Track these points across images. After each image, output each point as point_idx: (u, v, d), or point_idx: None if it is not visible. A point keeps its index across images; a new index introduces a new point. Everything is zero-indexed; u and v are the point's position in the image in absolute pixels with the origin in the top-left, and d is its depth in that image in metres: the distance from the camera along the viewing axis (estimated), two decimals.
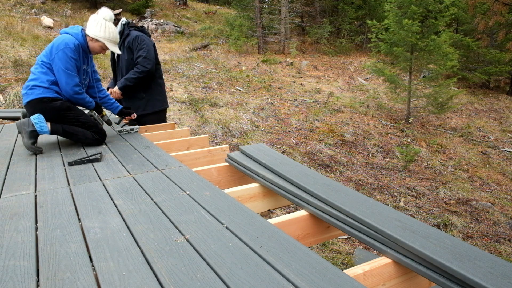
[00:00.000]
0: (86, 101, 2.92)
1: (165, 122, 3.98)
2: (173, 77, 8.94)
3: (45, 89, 2.74)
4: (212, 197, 1.90)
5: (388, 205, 3.57)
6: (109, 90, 3.59)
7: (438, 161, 6.83)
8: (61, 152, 2.79)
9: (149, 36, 3.67)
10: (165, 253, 1.38)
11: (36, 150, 2.71)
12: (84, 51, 2.85)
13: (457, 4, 10.50)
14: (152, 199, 1.88)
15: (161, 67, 3.98)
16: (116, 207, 1.79)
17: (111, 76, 4.01)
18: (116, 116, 3.46)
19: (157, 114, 3.84)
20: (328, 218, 1.80)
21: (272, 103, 8.51)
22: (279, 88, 9.87)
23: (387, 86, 9.29)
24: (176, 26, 14.88)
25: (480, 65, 11.91)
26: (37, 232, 1.55)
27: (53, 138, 3.20)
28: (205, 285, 1.19)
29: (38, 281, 1.23)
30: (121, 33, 3.54)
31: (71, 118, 2.85)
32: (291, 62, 12.77)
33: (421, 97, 8.89)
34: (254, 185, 2.28)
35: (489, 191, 5.80)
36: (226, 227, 1.57)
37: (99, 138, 2.95)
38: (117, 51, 2.96)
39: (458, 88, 10.66)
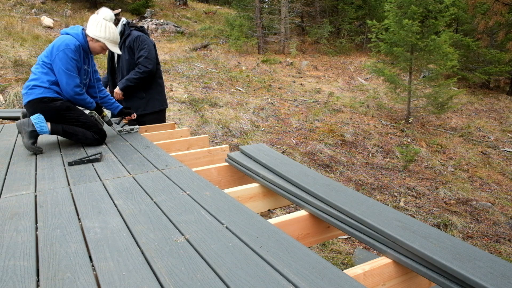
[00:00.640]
0: (86, 101, 2.92)
1: (165, 122, 3.98)
2: (173, 77, 8.94)
3: (46, 89, 2.75)
4: (212, 197, 1.90)
5: (388, 205, 3.57)
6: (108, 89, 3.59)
7: (438, 161, 6.83)
8: (61, 152, 2.79)
9: (148, 36, 3.68)
10: (165, 253, 1.38)
11: (36, 150, 2.71)
12: (84, 51, 2.86)
13: (457, 4, 10.50)
14: (152, 199, 1.88)
15: (161, 67, 3.99)
16: (116, 207, 1.79)
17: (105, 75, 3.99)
18: (116, 116, 3.46)
19: (157, 114, 3.85)
20: (328, 218, 1.80)
21: (272, 103, 8.51)
22: (279, 88, 9.87)
23: (387, 86, 9.29)
24: (176, 26, 14.88)
25: (480, 65, 11.91)
26: (37, 232, 1.55)
27: (53, 138, 3.20)
28: (205, 285, 1.19)
29: (38, 281, 1.23)
30: (122, 33, 3.53)
31: (71, 118, 2.85)
32: (291, 62, 12.77)
33: (421, 97, 8.89)
34: (254, 185, 2.28)
35: (489, 191, 5.80)
36: (226, 227, 1.57)
37: (99, 138, 2.95)
38: (117, 51, 2.96)
39: (458, 88, 10.66)
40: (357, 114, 8.67)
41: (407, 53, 8.40)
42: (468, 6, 11.32)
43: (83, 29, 2.87)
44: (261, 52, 13.85)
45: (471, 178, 6.25)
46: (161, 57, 9.54)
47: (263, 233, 1.52)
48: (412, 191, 5.49)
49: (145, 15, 15.56)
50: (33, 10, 13.07)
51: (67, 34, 2.80)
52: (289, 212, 3.94)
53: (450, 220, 4.67)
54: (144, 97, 3.68)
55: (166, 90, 4.62)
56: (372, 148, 7.01)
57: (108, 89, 3.89)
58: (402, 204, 5.08)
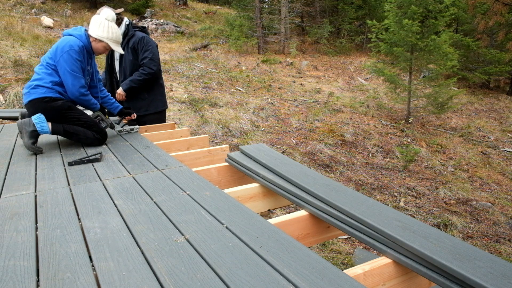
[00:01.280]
0: (91, 102, 2.93)
1: (165, 122, 3.99)
2: (173, 77, 8.94)
3: (48, 89, 2.75)
4: (212, 197, 1.90)
5: (388, 205, 3.57)
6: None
7: (438, 161, 6.83)
8: (61, 152, 2.79)
9: (148, 33, 3.68)
10: (165, 253, 1.38)
11: (36, 150, 2.71)
12: (88, 52, 2.87)
13: (457, 4, 10.50)
14: (152, 199, 1.88)
15: (161, 67, 3.98)
16: (116, 207, 1.79)
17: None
18: (116, 116, 3.46)
19: (159, 114, 3.86)
20: (328, 218, 1.80)
21: (272, 103, 8.51)
22: (279, 88, 9.87)
23: (387, 86, 9.29)
24: (176, 26, 14.88)
25: (480, 65, 11.91)
26: (37, 232, 1.55)
27: (53, 138, 3.20)
28: (205, 285, 1.19)
29: (38, 281, 1.23)
30: (125, 33, 3.52)
31: (72, 118, 2.85)
32: (291, 62, 12.77)
33: (421, 97, 8.89)
34: (254, 185, 2.28)
35: (489, 191, 5.80)
36: (226, 227, 1.57)
37: (100, 138, 2.95)
38: (120, 50, 2.98)
39: (458, 88, 10.66)
40: (357, 114, 8.67)
41: (407, 53, 8.40)
42: (468, 6, 11.32)
43: (85, 30, 2.88)
44: (261, 52, 13.85)
45: (471, 178, 6.25)
46: (161, 57, 9.52)
47: (263, 233, 1.52)
48: (412, 191, 5.49)
49: (145, 15, 15.56)
50: (33, 10, 13.07)
51: (70, 35, 2.81)
52: (289, 212, 3.94)
53: (450, 220, 4.67)
54: (146, 98, 3.68)
55: (166, 90, 4.62)
56: (372, 148, 7.01)
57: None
58: (402, 204, 5.08)
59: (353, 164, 6.26)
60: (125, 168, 2.38)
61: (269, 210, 2.37)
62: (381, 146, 7.13)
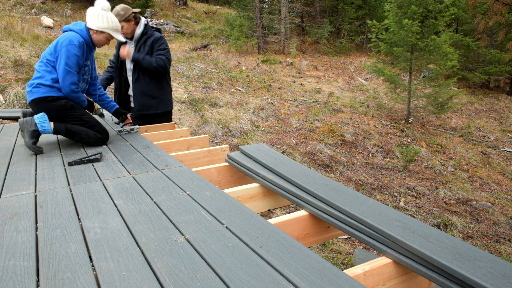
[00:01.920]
0: (80, 100, 2.90)
1: (171, 122, 4.00)
2: (173, 77, 8.93)
3: (50, 87, 2.74)
4: (212, 197, 1.90)
5: (388, 205, 3.57)
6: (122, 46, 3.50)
7: (438, 161, 6.83)
8: (61, 152, 2.79)
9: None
10: (165, 253, 1.38)
11: (36, 150, 2.71)
12: (88, 46, 2.86)
13: (457, 4, 10.50)
14: (152, 199, 1.88)
15: None
16: (116, 207, 1.79)
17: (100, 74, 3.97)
18: (112, 115, 3.46)
19: (167, 114, 3.89)
20: (328, 218, 1.80)
21: (272, 103, 8.51)
22: (279, 88, 9.87)
23: (387, 86, 9.29)
24: (176, 26, 14.88)
25: (480, 65, 11.91)
26: (37, 232, 1.55)
27: (53, 138, 3.20)
28: (205, 285, 1.19)
29: (38, 281, 1.23)
30: (144, 32, 3.54)
31: (75, 117, 2.85)
32: (291, 62, 12.77)
33: (421, 97, 8.89)
34: (254, 185, 2.28)
35: (489, 191, 5.80)
36: (226, 227, 1.57)
37: (102, 138, 2.95)
38: (121, 38, 2.99)
39: (458, 88, 10.66)
40: (357, 114, 8.67)
41: (407, 53, 8.40)
42: (468, 6, 11.33)
43: (85, 24, 2.87)
44: (261, 52, 13.85)
45: (471, 178, 6.25)
46: None
47: (263, 233, 1.52)
48: (412, 191, 5.49)
49: (145, 15, 15.56)
50: (33, 10, 13.07)
51: (71, 30, 2.81)
52: (289, 212, 3.94)
53: (450, 220, 4.67)
54: (158, 97, 3.69)
55: None
56: (372, 148, 7.01)
57: (106, 87, 3.87)
58: (402, 204, 5.08)
59: (353, 164, 6.26)
60: (125, 168, 2.38)
61: (269, 210, 2.37)
62: (381, 146, 7.13)
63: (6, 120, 5.08)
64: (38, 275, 1.26)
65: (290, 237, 1.50)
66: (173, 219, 1.65)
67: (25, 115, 2.90)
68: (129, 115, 3.43)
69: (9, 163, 2.53)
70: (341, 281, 1.21)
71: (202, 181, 2.12)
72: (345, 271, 1.38)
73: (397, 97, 8.93)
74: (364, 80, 11.89)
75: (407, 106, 8.77)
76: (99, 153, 2.60)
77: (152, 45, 3.53)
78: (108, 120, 3.83)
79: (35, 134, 2.69)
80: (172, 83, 4.12)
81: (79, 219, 1.67)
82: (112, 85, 4.03)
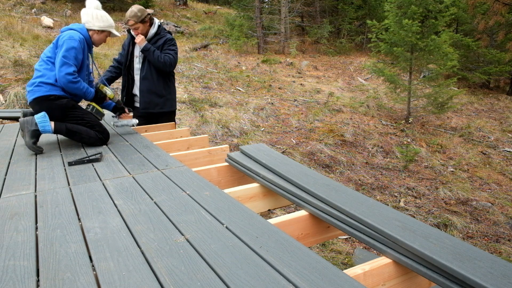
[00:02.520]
0: (82, 89, 2.83)
1: (174, 122, 4.02)
2: None
3: (52, 86, 2.74)
4: (212, 197, 1.90)
5: (388, 205, 3.57)
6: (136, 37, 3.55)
7: (438, 161, 6.83)
8: (61, 152, 2.79)
9: None
10: (165, 253, 1.38)
11: (37, 150, 2.70)
12: (88, 44, 2.90)
13: (457, 4, 10.50)
14: (152, 199, 1.88)
15: None
16: (116, 207, 1.79)
17: (101, 72, 3.98)
18: (112, 111, 3.48)
19: (171, 114, 3.92)
20: (328, 218, 1.80)
21: (272, 103, 8.51)
22: (279, 88, 9.87)
23: (387, 86, 9.29)
24: (176, 26, 14.88)
25: (480, 65, 11.91)
26: (37, 232, 1.55)
27: (53, 138, 3.20)
28: (205, 285, 1.19)
29: (38, 281, 1.23)
30: (157, 33, 3.60)
31: (76, 117, 2.85)
32: (291, 62, 12.78)
33: (421, 97, 8.89)
34: (254, 185, 2.28)
35: (489, 191, 5.80)
36: (226, 227, 1.57)
37: (103, 138, 2.95)
38: (118, 34, 3.10)
39: (458, 88, 10.66)
40: (357, 114, 8.67)
41: (407, 53, 8.40)
42: (468, 6, 11.32)
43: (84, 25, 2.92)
44: (261, 52, 13.85)
45: (471, 178, 6.25)
46: None
47: (263, 233, 1.52)
48: (412, 191, 5.49)
49: None
50: (33, 10, 13.07)
51: (71, 29, 2.84)
52: (289, 212, 3.94)
53: (450, 220, 4.67)
54: (164, 96, 3.72)
55: None
56: (372, 148, 7.01)
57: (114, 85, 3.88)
58: (402, 204, 5.08)
59: (353, 164, 6.26)
60: (125, 168, 2.38)
61: (269, 210, 2.37)
62: (381, 146, 7.13)
63: (6, 120, 5.08)
64: (38, 275, 1.26)
65: (290, 237, 1.50)
66: (173, 219, 1.65)
67: (25, 115, 2.90)
68: (127, 109, 3.45)
69: (9, 163, 2.53)
70: (341, 281, 1.21)
71: (202, 181, 2.12)
72: (345, 271, 1.38)
73: (397, 97, 8.93)
74: (364, 80, 11.89)
75: (407, 106, 8.77)
76: (99, 153, 2.60)
77: (163, 45, 3.60)
78: (108, 121, 3.83)
79: (36, 134, 2.68)
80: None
81: (79, 219, 1.67)
82: (113, 84, 4.04)
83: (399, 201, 5.16)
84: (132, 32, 3.59)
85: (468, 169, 6.55)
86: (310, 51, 15.23)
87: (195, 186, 2.04)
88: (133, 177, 2.21)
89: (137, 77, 3.73)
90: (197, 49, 12.50)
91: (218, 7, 21.70)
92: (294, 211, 2.86)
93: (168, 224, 1.61)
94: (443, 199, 5.34)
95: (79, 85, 2.79)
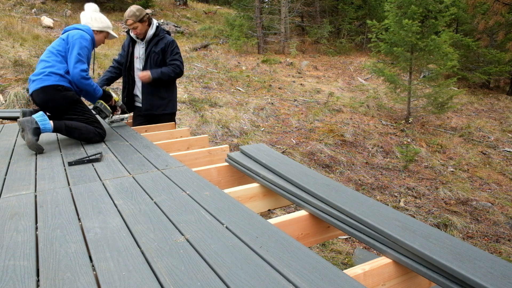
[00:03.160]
0: (93, 86, 2.97)
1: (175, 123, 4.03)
2: None
3: (61, 77, 2.81)
4: (212, 197, 1.90)
5: (388, 205, 3.57)
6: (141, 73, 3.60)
7: (438, 161, 6.83)
8: (61, 152, 2.79)
9: None
10: (165, 253, 1.38)
11: (38, 148, 2.71)
12: (93, 45, 3.03)
13: (457, 4, 10.50)
14: (152, 199, 1.88)
15: None
16: (116, 207, 1.79)
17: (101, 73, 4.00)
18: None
19: (172, 115, 3.94)
20: (328, 218, 1.80)
21: (272, 103, 8.51)
22: (279, 88, 9.87)
23: (387, 86, 9.29)
24: (176, 26, 14.88)
25: (480, 65, 11.91)
26: (37, 232, 1.55)
27: (53, 138, 3.20)
28: (205, 285, 1.19)
29: (38, 281, 1.23)
30: (156, 34, 3.60)
31: (77, 111, 2.93)
32: (291, 62, 12.77)
33: (421, 97, 8.89)
34: (254, 185, 2.28)
35: (489, 191, 5.80)
36: (226, 227, 1.57)
37: (101, 133, 3.00)
38: (116, 35, 3.25)
39: (458, 88, 10.67)
40: (357, 114, 8.67)
41: (407, 53, 8.40)
42: (468, 6, 11.33)
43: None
44: (261, 52, 13.85)
45: (471, 178, 6.25)
46: None
47: (263, 233, 1.52)
48: (412, 191, 5.50)
49: None
50: (33, 10, 13.07)
51: (77, 29, 2.94)
52: (289, 212, 3.94)
53: (450, 220, 4.67)
54: (166, 98, 3.74)
55: None
56: (372, 148, 7.01)
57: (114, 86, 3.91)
58: (402, 204, 5.08)
59: (353, 164, 6.26)
60: (125, 168, 2.38)
61: (269, 210, 2.37)
62: (381, 146, 7.13)
63: (6, 120, 5.08)
64: (38, 275, 1.26)
65: (290, 237, 1.50)
66: (173, 219, 1.65)
67: (24, 114, 2.92)
68: (118, 108, 3.50)
69: (9, 163, 2.53)
70: (341, 281, 1.21)
71: (202, 181, 2.12)
72: (345, 271, 1.38)
73: (397, 97, 8.93)
74: (364, 80, 11.89)
75: (407, 106, 8.77)
76: (99, 153, 2.60)
77: (164, 48, 3.60)
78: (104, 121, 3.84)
79: (37, 132, 2.71)
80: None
81: (79, 219, 1.67)
82: (112, 85, 4.05)
83: (399, 201, 5.16)
84: (131, 33, 3.59)
85: (468, 169, 6.55)
86: (310, 51, 15.23)
87: (195, 186, 2.04)
88: (133, 177, 2.21)
89: (138, 78, 3.73)
90: (197, 49, 12.50)
91: (218, 7, 21.70)
92: (294, 211, 2.86)
93: (168, 224, 1.60)
94: (443, 199, 5.34)
95: (90, 81, 2.92)
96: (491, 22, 11.12)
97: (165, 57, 3.62)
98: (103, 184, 2.09)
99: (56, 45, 2.89)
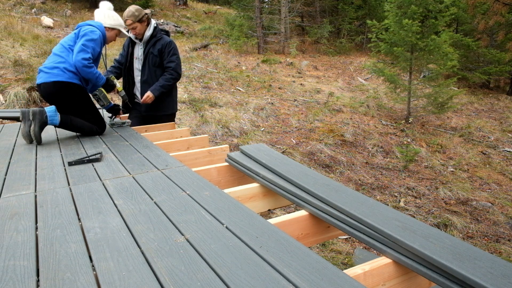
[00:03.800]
0: (96, 74, 3.02)
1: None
2: None
3: (73, 74, 2.94)
4: (212, 197, 1.90)
5: (388, 205, 3.57)
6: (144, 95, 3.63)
7: (438, 161, 6.83)
8: (61, 152, 2.79)
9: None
10: (165, 253, 1.38)
11: (39, 139, 2.88)
12: (104, 41, 3.14)
13: (457, 4, 10.50)
14: (152, 199, 1.88)
15: None
16: (116, 207, 1.79)
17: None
18: (108, 112, 3.59)
19: (172, 116, 3.95)
20: (328, 218, 1.80)
21: (272, 103, 8.51)
22: (279, 88, 9.87)
23: (387, 86, 9.29)
24: (176, 26, 14.88)
25: (480, 65, 11.91)
26: (37, 232, 1.55)
27: (53, 138, 3.20)
28: (205, 285, 1.19)
29: (38, 281, 1.23)
30: (153, 35, 3.60)
31: (84, 108, 3.10)
32: (291, 62, 12.77)
33: (421, 97, 8.89)
34: (254, 185, 2.28)
35: (489, 191, 5.80)
36: (226, 227, 1.57)
37: (101, 132, 3.23)
38: (128, 34, 3.37)
39: (458, 88, 10.66)
40: (357, 114, 8.67)
41: (407, 53, 8.40)
42: (468, 6, 11.33)
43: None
44: (261, 52, 13.84)
45: (471, 178, 6.25)
46: None
47: (263, 233, 1.52)
48: (412, 191, 5.49)
49: None
50: (33, 10, 13.07)
51: (90, 25, 3.04)
52: (289, 212, 3.94)
53: (450, 220, 4.67)
54: (165, 99, 3.75)
55: None
56: (372, 148, 7.01)
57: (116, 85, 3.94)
58: (402, 204, 5.08)
59: (353, 164, 6.26)
60: (125, 168, 2.38)
61: (269, 210, 2.37)
62: (381, 146, 7.13)
63: (6, 120, 5.08)
64: (38, 275, 1.26)
65: (290, 237, 1.50)
66: (173, 219, 1.65)
67: (23, 114, 2.94)
68: (121, 112, 3.59)
69: (9, 163, 2.53)
70: (341, 281, 1.21)
71: (202, 181, 2.12)
72: (345, 271, 1.38)
73: (397, 97, 8.93)
74: (364, 80, 11.89)
75: (407, 106, 8.77)
76: (99, 153, 2.60)
77: (161, 50, 3.59)
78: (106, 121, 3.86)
79: (44, 125, 2.89)
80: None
81: (79, 219, 1.67)
82: None
83: (399, 201, 5.16)
84: (130, 34, 3.59)
85: (468, 169, 6.55)
86: (310, 51, 15.23)
87: (195, 186, 2.04)
88: (133, 177, 2.21)
89: (137, 79, 3.74)
90: (197, 49, 12.50)
91: (218, 7, 21.70)
92: (294, 211, 2.86)
93: (168, 224, 1.60)
94: (443, 199, 5.34)
95: (92, 69, 2.98)
96: (491, 22, 11.11)
97: (162, 59, 3.61)
98: (103, 184, 2.09)
99: (68, 40, 3.02)
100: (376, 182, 5.70)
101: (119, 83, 3.40)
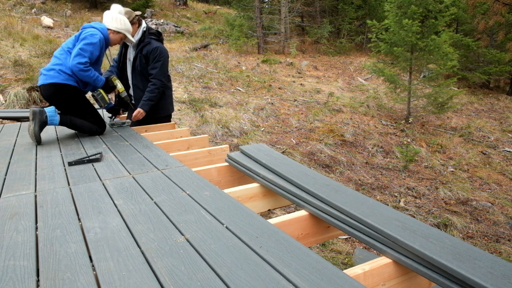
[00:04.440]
0: (93, 77, 3.06)
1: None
2: (173, 77, 8.93)
3: (69, 76, 2.99)
4: (212, 197, 1.90)
5: (388, 205, 3.57)
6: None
7: (438, 161, 6.83)
8: (61, 152, 2.79)
9: (163, 41, 3.70)
10: (165, 253, 1.38)
11: (38, 139, 2.92)
12: (106, 43, 3.16)
13: (457, 4, 10.50)
14: (152, 199, 1.88)
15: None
16: (116, 207, 1.79)
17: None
18: (108, 112, 3.64)
19: (167, 118, 3.93)
20: (328, 218, 1.80)
21: (272, 103, 8.51)
22: (279, 88, 9.87)
23: (387, 86, 9.29)
24: (176, 26, 14.88)
25: (480, 65, 11.91)
26: (37, 232, 1.55)
27: (53, 137, 3.20)
28: (205, 285, 1.19)
29: (38, 281, 1.23)
30: (141, 40, 3.53)
31: (82, 109, 3.14)
32: (291, 62, 12.77)
33: (421, 97, 8.89)
34: (254, 185, 2.28)
35: (489, 191, 5.80)
36: (226, 227, 1.57)
37: (101, 131, 3.26)
38: (133, 39, 3.36)
39: (458, 88, 10.66)
40: (357, 114, 8.67)
41: (407, 53, 8.40)
42: (468, 6, 11.33)
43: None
44: (261, 52, 13.84)
45: (471, 178, 6.25)
46: None
47: (263, 233, 1.52)
48: (412, 191, 5.49)
49: (145, 15, 15.55)
50: (33, 10, 13.07)
51: (93, 27, 3.07)
52: (289, 212, 3.94)
53: (450, 220, 4.67)
54: (159, 102, 3.72)
55: None
56: (372, 148, 7.01)
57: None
58: (402, 204, 5.08)
59: (353, 164, 6.26)
60: (125, 168, 2.38)
61: (269, 210, 2.37)
62: (381, 146, 7.13)
63: (6, 120, 5.08)
64: (38, 275, 1.26)
65: (290, 237, 1.50)
66: (173, 219, 1.65)
67: (34, 114, 3.00)
68: (121, 112, 3.63)
69: (9, 163, 2.53)
70: (341, 281, 1.21)
71: (202, 181, 2.12)
72: (345, 271, 1.38)
73: (397, 97, 8.93)
74: (364, 80, 11.89)
75: (407, 106, 8.77)
76: (99, 153, 2.60)
77: (147, 56, 3.50)
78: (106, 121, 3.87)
79: (43, 126, 2.94)
80: (172, 83, 4.13)
81: (79, 219, 1.67)
82: None
83: (399, 201, 5.16)
84: (134, 38, 3.58)
85: (468, 169, 6.55)
86: (310, 51, 15.23)
87: (195, 186, 2.04)
88: (133, 177, 2.21)
89: (130, 81, 3.74)
90: (197, 49, 12.50)
91: (218, 7, 21.71)
92: (294, 211, 2.86)
93: (168, 224, 1.60)
94: (443, 199, 5.34)
95: (89, 73, 3.03)
96: (491, 22, 11.12)
97: (148, 64, 3.52)
98: (103, 184, 2.09)
99: (69, 42, 3.07)
100: (376, 182, 5.70)
101: (120, 84, 3.40)
